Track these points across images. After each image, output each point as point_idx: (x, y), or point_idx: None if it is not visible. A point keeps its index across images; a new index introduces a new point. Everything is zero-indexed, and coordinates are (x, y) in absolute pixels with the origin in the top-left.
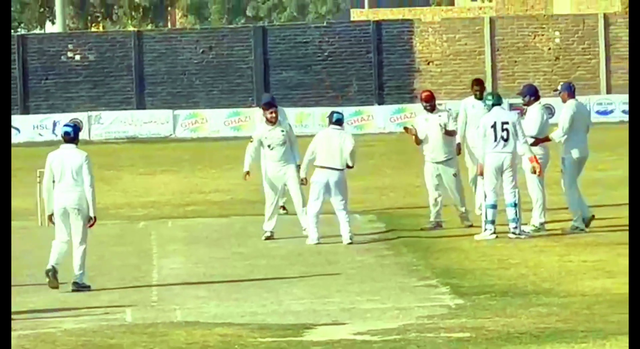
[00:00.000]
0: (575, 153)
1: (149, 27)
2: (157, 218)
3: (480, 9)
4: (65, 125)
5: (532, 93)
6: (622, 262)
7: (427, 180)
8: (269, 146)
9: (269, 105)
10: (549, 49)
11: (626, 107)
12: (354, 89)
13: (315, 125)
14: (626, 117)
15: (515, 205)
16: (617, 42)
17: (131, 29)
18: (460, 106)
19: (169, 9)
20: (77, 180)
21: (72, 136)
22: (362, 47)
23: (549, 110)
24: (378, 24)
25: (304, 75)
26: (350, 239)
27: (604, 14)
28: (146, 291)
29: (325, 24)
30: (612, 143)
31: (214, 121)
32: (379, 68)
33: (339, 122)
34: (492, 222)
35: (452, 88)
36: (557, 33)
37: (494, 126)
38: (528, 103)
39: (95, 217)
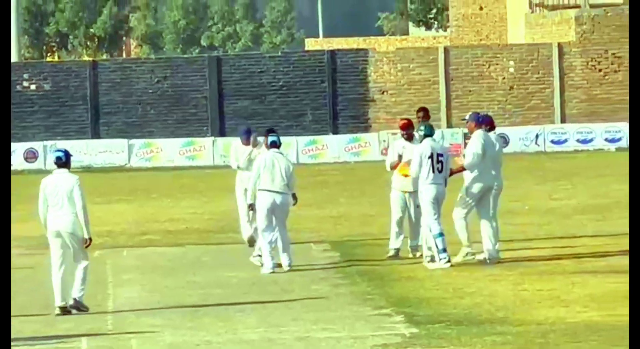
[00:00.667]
0: (480, 181)
1: (104, 56)
2: (113, 247)
3: (435, 38)
4: (57, 151)
5: (480, 121)
6: (577, 291)
7: (394, 208)
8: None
9: (272, 131)
10: (504, 78)
11: (580, 136)
12: (309, 118)
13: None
14: (580, 146)
15: (442, 234)
16: (571, 72)
17: (86, 58)
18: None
19: (124, 39)
20: (69, 203)
21: (63, 161)
22: (317, 77)
23: (504, 139)
24: (332, 53)
25: (259, 105)
26: (289, 265)
27: (558, 43)
28: (102, 320)
29: (279, 54)
30: (567, 172)
31: (168, 150)
32: (334, 97)
33: (275, 144)
34: (444, 250)
35: (406, 117)
36: (511, 62)
37: (431, 157)
38: (471, 130)
39: (90, 238)
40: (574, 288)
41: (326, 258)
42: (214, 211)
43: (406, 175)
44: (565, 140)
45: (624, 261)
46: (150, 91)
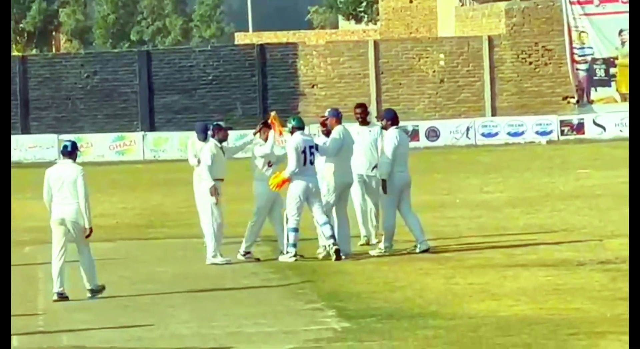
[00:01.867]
0: (339, 178)
1: (34, 52)
2: (44, 243)
3: (365, 32)
4: (65, 141)
5: (390, 118)
6: (508, 284)
7: (354, 196)
8: (269, 164)
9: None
10: (434, 71)
11: (511, 129)
12: (239, 113)
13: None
14: (511, 139)
15: (328, 222)
16: (501, 64)
17: (16, 53)
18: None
19: (54, 33)
20: (73, 193)
21: (69, 151)
22: (247, 71)
23: (434, 133)
24: (262, 47)
25: (189, 99)
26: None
27: (488, 36)
28: (32, 316)
29: (209, 48)
30: (498, 166)
31: (98, 145)
32: (264, 91)
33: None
34: (294, 245)
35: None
36: (441, 55)
37: (304, 151)
38: (386, 127)
39: (91, 228)
40: (505, 281)
41: (257, 252)
42: (145, 206)
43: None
44: (496, 133)
45: (555, 254)
46: (80, 86)
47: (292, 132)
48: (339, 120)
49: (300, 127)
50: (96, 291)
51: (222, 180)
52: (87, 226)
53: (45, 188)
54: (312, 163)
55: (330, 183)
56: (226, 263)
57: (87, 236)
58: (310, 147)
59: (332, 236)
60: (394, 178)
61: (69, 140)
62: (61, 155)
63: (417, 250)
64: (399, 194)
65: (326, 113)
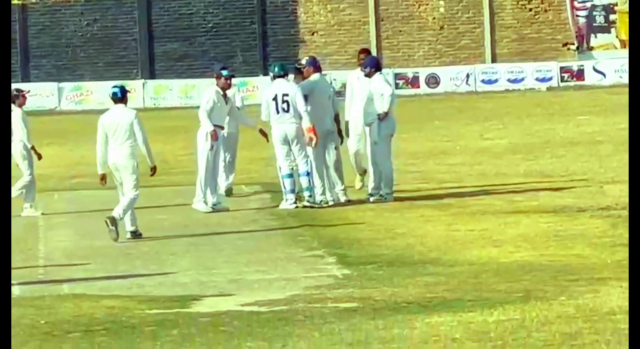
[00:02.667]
0: (317, 127)
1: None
2: (43, 191)
3: None
4: (113, 87)
5: (373, 65)
6: (508, 231)
7: (351, 145)
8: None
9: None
10: (434, 18)
11: (511, 76)
12: (239, 60)
13: (200, 96)
14: (511, 86)
15: (308, 174)
16: (501, 11)
17: (16, 2)
18: (347, 79)
19: None
20: (128, 137)
21: (120, 96)
22: (247, 18)
23: (434, 79)
24: None
25: (189, 47)
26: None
27: None
28: (33, 264)
29: None
30: (498, 112)
31: (98, 93)
32: (264, 39)
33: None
34: (292, 191)
35: (336, 58)
36: (441, 2)
37: (275, 98)
38: (369, 75)
39: (155, 167)
40: (505, 228)
41: (258, 199)
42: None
43: None
44: (496, 80)
45: (556, 200)
46: (80, 34)
47: (273, 80)
48: (316, 69)
49: (281, 74)
50: (137, 234)
51: (221, 127)
52: (151, 165)
53: (99, 135)
54: (285, 110)
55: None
56: (212, 211)
57: (152, 174)
58: (284, 95)
59: (309, 187)
60: (390, 122)
61: (117, 86)
62: (112, 102)
63: (371, 199)
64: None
65: (302, 62)
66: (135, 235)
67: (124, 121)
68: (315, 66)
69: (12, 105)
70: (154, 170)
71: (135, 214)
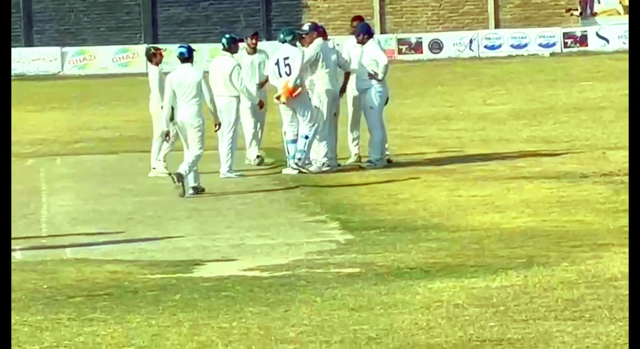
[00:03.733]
0: (326, 90)
1: None
2: (46, 156)
3: None
4: (180, 47)
5: (365, 31)
6: (511, 197)
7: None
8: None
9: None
10: None
11: (514, 42)
12: (242, 25)
13: (204, 60)
14: (514, 52)
15: (307, 137)
16: None
17: None
18: (343, 48)
19: None
20: (195, 96)
21: (186, 56)
22: None
23: (437, 44)
24: None
25: (192, 12)
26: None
27: None
28: (36, 229)
29: None
30: (501, 78)
31: (102, 58)
32: (267, 3)
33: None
34: (294, 157)
35: (340, 24)
36: None
37: (277, 63)
38: (362, 42)
39: (220, 123)
40: (508, 193)
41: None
42: (147, 119)
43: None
44: (500, 46)
45: (559, 166)
46: None
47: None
48: (319, 34)
49: (287, 40)
50: (199, 190)
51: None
52: (216, 122)
53: (167, 93)
54: (288, 74)
55: (319, 95)
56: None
57: (217, 130)
58: (285, 58)
59: (303, 151)
60: (384, 89)
61: (184, 46)
62: (179, 61)
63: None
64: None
65: (305, 27)
66: (198, 190)
67: (192, 80)
68: (319, 32)
69: (149, 63)
70: (218, 126)
71: (198, 170)
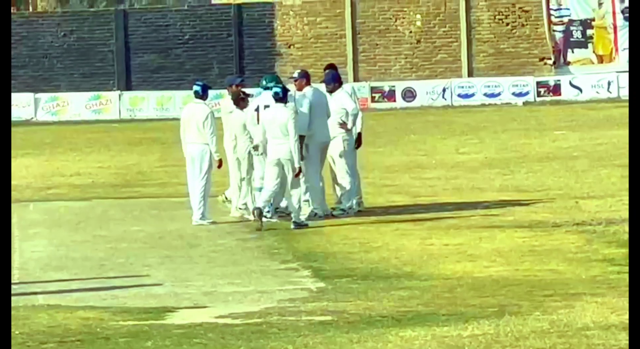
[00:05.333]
0: (317, 138)
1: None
2: (19, 202)
3: None
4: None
5: (335, 80)
6: (484, 245)
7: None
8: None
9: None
10: (411, 32)
11: (487, 90)
12: (215, 72)
13: (177, 108)
14: (487, 100)
15: (260, 189)
16: (478, 25)
17: None
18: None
19: None
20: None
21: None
22: (223, 31)
23: (410, 93)
24: (239, 7)
25: (165, 59)
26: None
27: None
28: None
29: (186, 8)
30: (474, 126)
31: (75, 104)
32: (240, 51)
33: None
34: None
35: (313, 71)
36: (418, 16)
37: (257, 109)
38: (332, 90)
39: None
40: (481, 242)
41: (226, 212)
42: (120, 166)
43: None
44: (473, 94)
45: (531, 215)
46: (57, 45)
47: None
48: (308, 82)
49: (269, 87)
50: (301, 225)
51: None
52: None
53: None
54: None
55: (310, 144)
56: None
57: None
58: (265, 106)
59: (269, 202)
60: (351, 137)
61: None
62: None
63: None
64: None
65: (295, 75)
66: (299, 225)
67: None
68: (308, 79)
69: (234, 106)
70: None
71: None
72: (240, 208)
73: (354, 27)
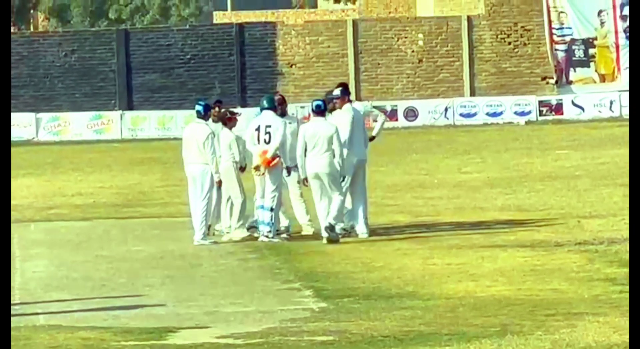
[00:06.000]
0: (353, 156)
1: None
2: (20, 222)
3: (343, 11)
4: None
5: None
6: (486, 265)
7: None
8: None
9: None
10: (412, 51)
11: (489, 110)
12: (217, 92)
13: (178, 128)
14: (489, 120)
15: (272, 209)
16: (480, 45)
17: None
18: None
19: (32, 12)
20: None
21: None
22: (225, 50)
23: (412, 112)
24: (241, 26)
25: (167, 78)
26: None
27: (468, 16)
28: None
29: (187, 27)
30: (476, 146)
31: (76, 124)
32: (242, 71)
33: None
34: (268, 224)
35: (314, 91)
36: (420, 35)
37: (257, 129)
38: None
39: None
40: (483, 262)
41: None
42: (122, 186)
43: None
44: (475, 114)
45: (533, 235)
46: (58, 65)
47: (261, 112)
48: (349, 99)
49: (267, 107)
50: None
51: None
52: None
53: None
54: (266, 142)
55: (346, 161)
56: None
57: (219, 184)
58: (267, 126)
59: (271, 223)
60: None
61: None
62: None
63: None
64: None
65: (336, 92)
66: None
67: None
68: (349, 95)
69: (221, 126)
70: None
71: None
72: (227, 233)
73: (355, 46)
